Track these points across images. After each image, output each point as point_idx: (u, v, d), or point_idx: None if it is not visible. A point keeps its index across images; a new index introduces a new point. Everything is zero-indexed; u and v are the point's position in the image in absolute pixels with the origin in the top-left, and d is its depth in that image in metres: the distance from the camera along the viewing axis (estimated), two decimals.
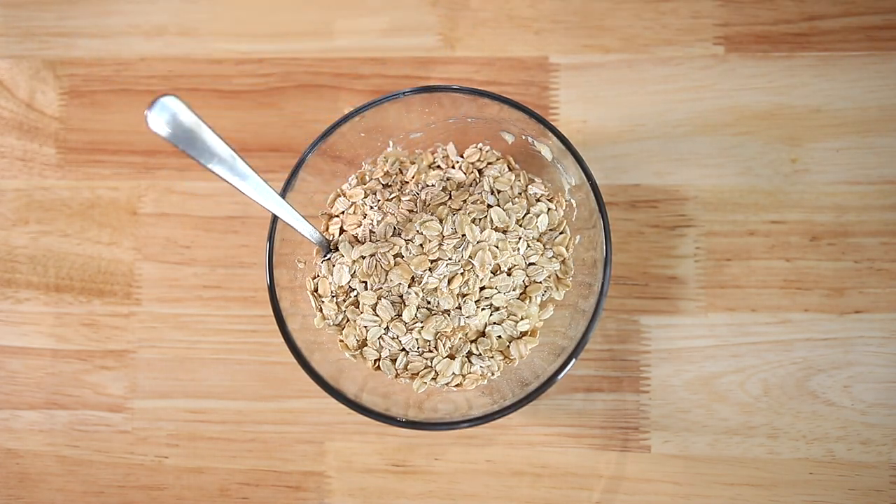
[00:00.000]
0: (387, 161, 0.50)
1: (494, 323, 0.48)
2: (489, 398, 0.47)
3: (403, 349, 0.48)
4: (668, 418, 0.51)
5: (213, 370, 0.54)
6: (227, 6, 0.57)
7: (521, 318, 0.48)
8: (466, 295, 0.47)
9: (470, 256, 0.47)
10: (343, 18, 0.57)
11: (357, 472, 0.53)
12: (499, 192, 0.48)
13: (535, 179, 0.49)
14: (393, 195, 0.49)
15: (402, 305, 0.47)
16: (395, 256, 0.47)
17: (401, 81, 0.56)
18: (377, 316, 0.47)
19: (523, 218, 0.48)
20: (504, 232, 0.47)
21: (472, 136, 0.50)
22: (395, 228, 0.48)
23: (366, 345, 0.48)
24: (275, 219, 0.45)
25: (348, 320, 0.48)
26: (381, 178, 0.49)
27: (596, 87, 0.54)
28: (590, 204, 0.45)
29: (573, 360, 0.43)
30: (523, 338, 0.48)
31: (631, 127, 0.54)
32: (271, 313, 0.44)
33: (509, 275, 0.47)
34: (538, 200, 0.49)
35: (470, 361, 0.48)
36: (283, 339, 0.44)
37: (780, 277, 0.52)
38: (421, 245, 0.47)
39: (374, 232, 0.48)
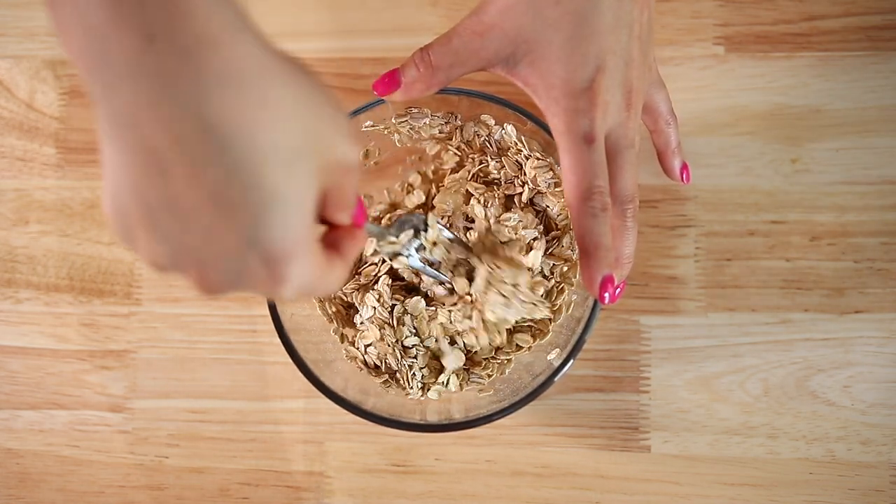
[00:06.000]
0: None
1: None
2: (489, 398, 0.47)
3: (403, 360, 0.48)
4: (668, 418, 0.51)
5: (213, 370, 0.54)
6: None
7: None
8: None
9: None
10: (343, 19, 0.57)
11: (357, 472, 0.53)
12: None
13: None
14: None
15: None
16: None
17: None
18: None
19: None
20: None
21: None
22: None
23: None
24: None
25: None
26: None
27: None
28: None
29: (571, 361, 0.43)
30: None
31: None
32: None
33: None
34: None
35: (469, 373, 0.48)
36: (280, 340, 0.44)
37: (780, 277, 0.52)
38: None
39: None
